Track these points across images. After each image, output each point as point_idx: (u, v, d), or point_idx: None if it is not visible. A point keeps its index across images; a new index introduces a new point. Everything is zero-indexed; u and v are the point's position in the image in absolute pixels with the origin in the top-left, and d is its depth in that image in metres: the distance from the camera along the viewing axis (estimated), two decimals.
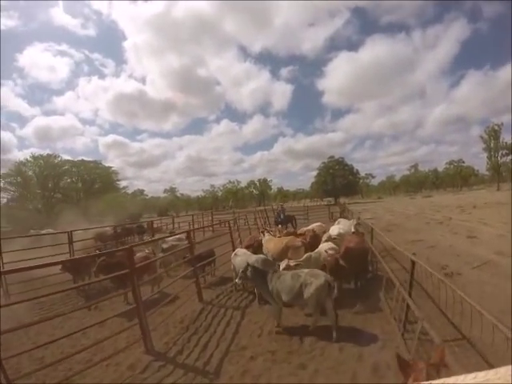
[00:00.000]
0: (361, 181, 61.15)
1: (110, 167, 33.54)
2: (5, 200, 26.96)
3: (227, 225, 12.31)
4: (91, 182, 31.58)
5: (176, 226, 20.34)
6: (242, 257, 7.42)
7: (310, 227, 10.62)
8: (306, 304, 5.10)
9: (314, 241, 8.41)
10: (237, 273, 7.13)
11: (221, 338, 5.25)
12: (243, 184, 45.46)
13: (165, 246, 9.76)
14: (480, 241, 10.37)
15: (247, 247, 8.66)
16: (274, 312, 5.44)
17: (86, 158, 32.08)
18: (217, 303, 7.00)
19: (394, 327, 4.82)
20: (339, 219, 12.50)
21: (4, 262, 8.64)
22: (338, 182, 50.44)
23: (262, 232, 9.38)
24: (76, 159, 31.50)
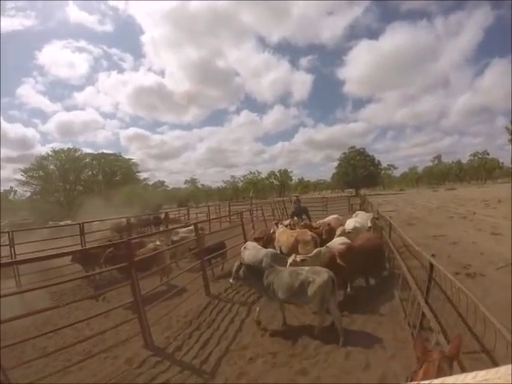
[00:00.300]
0: (382, 172, 59.67)
1: (130, 159, 34.50)
2: (28, 193, 28.37)
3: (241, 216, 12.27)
4: (111, 174, 32.55)
5: (194, 216, 20.43)
6: (251, 251, 7.24)
7: (325, 220, 10.25)
8: (309, 302, 4.87)
9: (329, 234, 8.11)
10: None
11: (222, 336, 5.13)
12: (264, 175, 45.42)
13: (175, 237, 9.70)
14: (505, 238, 9.65)
15: (257, 240, 8.45)
16: (278, 310, 5.25)
17: (107, 151, 33.03)
18: (224, 297, 6.89)
19: (407, 334, 4.44)
20: (357, 212, 12.02)
21: (17, 253, 8.86)
22: (359, 172, 49.41)
23: (276, 224, 9.13)
24: (97, 152, 32.34)
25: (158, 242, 9.53)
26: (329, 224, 8.92)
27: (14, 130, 26.70)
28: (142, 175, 35.61)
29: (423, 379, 1.67)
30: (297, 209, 16.23)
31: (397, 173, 71.20)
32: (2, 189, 27.78)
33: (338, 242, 6.67)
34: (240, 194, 42.18)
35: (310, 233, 7.79)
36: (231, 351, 4.60)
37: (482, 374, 0.67)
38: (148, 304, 5.74)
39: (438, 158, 72.03)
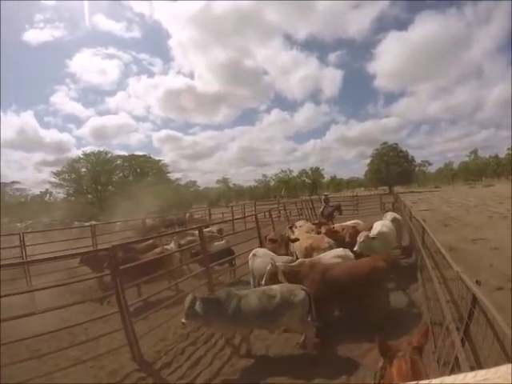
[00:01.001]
0: (416, 168, 57.05)
1: (160, 160, 35.78)
2: (61, 195, 30.69)
3: (268, 215, 11.93)
4: (142, 175, 33.95)
5: (219, 216, 20.51)
6: (262, 258, 6.84)
7: (345, 224, 9.67)
8: (287, 325, 4.65)
9: (353, 239, 7.57)
10: (255, 277, 6.69)
11: (217, 355, 4.97)
12: (295, 173, 45.21)
13: (182, 241, 9.66)
14: None
15: (272, 242, 8.05)
16: (244, 337, 4.96)
17: (140, 153, 34.76)
18: None
19: (433, 372, 3.87)
20: (387, 213, 11.27)
21: (35, 253, 9.33)
22: (392, 169, 47.53)
23: (290, 228, 8.74)
24: (128, 154, 33.98)
25: (171, 245, 9.60)
26: (354, 227, 8.34)
27: (50, 135, 29.10)
28: (175, 175, 37.06)
29: (398, 375, 1.80)
30: (326, 208, 15.67)
31: (431, 169, 67.92)
32: (39, 191, 29.60)
33: (331, 255, 6.17)
34: (272, 192, 42.24)
35: (327, 239, 7.34)
36: (222, 375, 4.42)
37: (481, 374, 0.67)
38: (148, 310, 5.73)
39: (475, 152, 67.92)
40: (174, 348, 5.20)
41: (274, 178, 44.68)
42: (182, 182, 37.90)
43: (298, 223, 10.15)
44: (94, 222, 14.87)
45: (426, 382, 0.73)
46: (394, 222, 9.46)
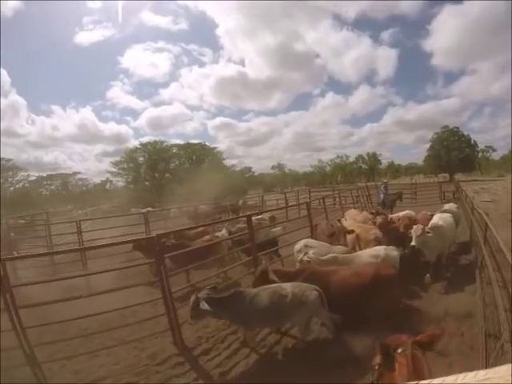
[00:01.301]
0: (479, 154, 50.99)
1: (215, 148, 36.69)
2: (120, 183, 33.14)
3: (321, 203, 11.57)
4: (198, 162, 35.20)
5: (274, 203, 20.44)
6: (317, 249, 6.50)
7: (400, 214, 8.91)
8: (297, 324, 4.60)
9: (407, 232, 6.97)
10: None
11: (257, 346, 4.89)
12: (352, 158, 43.33)
13: (233, 228, 9.70)
14: None
15: (330, 236, 7.67)
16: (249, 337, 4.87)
17: (196, 141, 36.02)
18: None
19: None
20: (445, 205, 10.18)
21: (96, 238, 10.07)
22: (453, 155, 42.96)
23: (339, 221, 8.26)
24: (184, 142, 35.50)
25: (223, 232, 9.74)
26: (410, 218, 7.67)
27: (109, 127, 31.26)
28: (231, 162, 37.65)
29: (399, 372, 1.70)
30: (382, 197, 14.71)
31: (496, 155, 59.44)
32: (100, 180, 32.53)
33: (368, 253, 5.86)
34: (327, 178, 41.07)
35: (375, 231, 6.83)
36: (257, 368, 4.40)
37: (482, 374, 0.68)
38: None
39: None
40: (215, 335, 5.26)
41: (329, 163, 43.41)
42: (238, 169, 38.48)
43: (348, 212, 9.63)
44: (150, 209, 15.70)
45: (427, 381, 0.75)
46: (453, 214, 8.57)
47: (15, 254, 8.22)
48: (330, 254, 5.89)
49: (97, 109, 32.47)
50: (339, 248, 6.68)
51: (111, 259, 8.78)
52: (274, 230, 10.19)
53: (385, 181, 17.28)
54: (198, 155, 35.92)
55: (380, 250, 5.91)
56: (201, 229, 9.95)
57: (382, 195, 15.28)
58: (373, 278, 4.95)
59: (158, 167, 33.33)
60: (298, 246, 6.87)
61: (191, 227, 9.88)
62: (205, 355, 4.71)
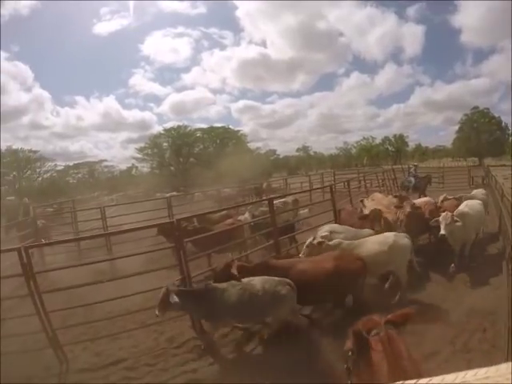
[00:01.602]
0: (510, 138, 47.57)
1: (239, 131, 36.69)
2: (145, 169, 33.72)
3: (346, 186, 11.36)
4: (222, 145, 35.54)
5: (298, 186, 20.28)
6: (345, 234, 6.45)
7: (419, 201, 8.55)
8: (271, 320, 4.50)
9: (433, 216, 6.72)
10: None
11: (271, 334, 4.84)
12: (378, 140, 42.07)
13: (256, 212, 9.69)
14: None
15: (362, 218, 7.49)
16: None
17: (220, 125, 36.10)
18: None
19: None
20: (474, 190, 9.67)
21: (121, 223, 10.38)
22: (483, 138, 40.34)
23: (362, 201, 8.03)
24: (207, 126, 35.75)
25: (246, 215, 9.76)
26: (435, 203, 7.36)
27: (133, 115, 31.74)
28: (256, 145, 37.60)
29: (377, 355, 1.67)
30: (414, 181, 14.17)
31: None
32: (126, 166, 33.81)
33: (377, 240, 5.72)
34: (353, 161, 40.18)
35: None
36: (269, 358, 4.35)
37: (482, 372, 0.69)
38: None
39: None
40: None
41: (355, 145, 42.36)
42: (262, 152, 38.34)
43: (373, 196, 9.34)
44: (174, 193, 16.03)
45: (427, 380, 0.76)
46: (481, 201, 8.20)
47: (43, 242, 8.62)
48: (335, 240, 5.80)
49: (120, 97, 32.95)
50: (366, 231, 6.57)
51: (135, 244, 9.05)
52: (301, 212, 10.19)
53: (415, 164, 16.65)
54: (222, 139, 36.07)
55: (389, 236, 5.70)
56: (223, 212, 10.00)
57: (412, 178, 14.74)
58: (333, 271, 4.86)
59: (183, 152, 33.90)
60: (321, 232, 6.61)
61: (212, 211, 9.94)
62: (222, 339, 4.80)
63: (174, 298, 4.28)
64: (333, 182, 14.07)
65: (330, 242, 5.67)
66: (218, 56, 33.56)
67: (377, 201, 8.22)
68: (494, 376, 0.66)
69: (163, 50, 33.99)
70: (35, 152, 30.04)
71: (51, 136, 31.03)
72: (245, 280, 4.61)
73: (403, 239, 5.60)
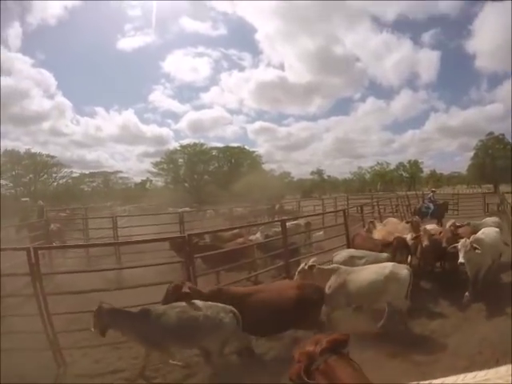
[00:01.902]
0: None
1: (254, 151, 37.04)
2: (159, 183, 34.23)
3: (359, 211, 11.24)
4: (237, 165, 35.97)
5: (311, 209, 20.15)
6: (366, 258, 6.39)
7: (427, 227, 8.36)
8: (209, 346, 4.32)
9: (451, 243, 6.59)
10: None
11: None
12: (393, 166, 42.11)
13: (268, 232, 9.61)
14: None
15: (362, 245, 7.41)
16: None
17: (236, 145, 36.73)
18: None
19: None
20: (485, 219, 9.54)
21: (133, 234, 10.44)
22: (499, 164, 39.73)
23: (372, 222, 7.89)
24: (223, 146, 36.45)
25: (257, 235, 9.66)
26: (452, 231, 7.21)
27: (151, 129, 32.56)
28: (270, 166, 37.87)
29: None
30: (432, 208, 13.91)
31: None
32: (140, 179, 34.55)
33: (374, 269, 5.60)
34: (367, 186, 40.15)
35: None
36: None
37: (481, 374, 0.69)
38: None
39: None
40: None
41: (369, 170, 42.41)
42: (276, 173, 38.54)
43: (388, 221, 9.21)
44: (187, 209, 16.06)
45: (427, 382, 0.82)
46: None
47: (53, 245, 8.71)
48: (333, 265, 5.80)
49: (139, 111, 33.83)
50: (385, 255, 6.50)
51: (144, 255, 9.00)
52: (316, 234, 10.09)
53: (433, 189, 16.39)
54: (237, 158, 36.53)
55: (387, 266, 5.49)
56: (235, 231, 9.95)
57: (430, 204, 14.46)
58: (294, 300, 4.74)
59: (197, 169, 34.43)
60: (339, 257, 6.57)
61: (224, 229, 9.91)
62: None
63: (106, 317, 4.27)
64: (346, 207, 13.93)
65: (326, 267, 5.66)
66: (237, 77, 34.39)
67: (392, 226, 8.09)
68: (493, 378, 0.68)
69: (183, 69, 35.02)
70: (53, 157, 30.88)
71: (70, 143, 31.95)
72: (187, 304, 4.44)
73: (402, 270, 5.40)
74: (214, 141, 36.59)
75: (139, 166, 35.00)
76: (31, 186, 30.31)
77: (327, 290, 5.23)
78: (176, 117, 37.71)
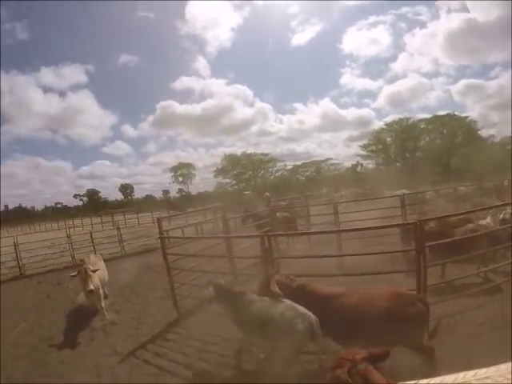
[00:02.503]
0: None
1: (466, 117, 31.41)
2: (370, 165, 34.56)
3: None
4: (450, 136, 31.83)
5: None
6: None
7: None
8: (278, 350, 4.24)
9: None
10: None
11: None
12: None
13: (504, 216, 8.16)
14: None
15: None
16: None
17: (443, 112, 32.43)
18: None
19: None
20: None
21: (341, 221, 10.94)
22: None
23: None
24: (430, 116, 32.80)
25: (488, 220, 8.36)
26: None
27: (350, 113, 32.51)
28: (488, 132, 31.40)
29: None
30: None
31: None
32: (350, 163, 35.54)
33: None
34: None
35: None
36: None
37: (482, 372, 0.67)
38: (449, 294, 5.49)
39: None
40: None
41: None
42: (497, 139, 31.39)
43: None
44: (404, 191, 15.12)
45: (426, 381, 0.78)
46: None
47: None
48: None
49: (335, 97, 35.03)
50: None
51: (366, 242, 8.90)
52: None
53: None
54: (449, 128, 32.23)
55: None
56: (461, 216, 8.80)
57: None
58: (382, 313, 4.00)
59: (408, 146, 32.65)
60: None
61: (456, 214, 8.71)
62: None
63: (211, 291, 4.68)
64: None
65: None
66: (421, 35, 29.69)
67: None
68: (493, 376, 0.69)
69: (363, 44, 33.52)
70: (266, 155, 36.31)
71: (278, 140, 36.61)
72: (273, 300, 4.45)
73: None
74: (418, 112, 33.22)
75: (347, 150, 36.13)
76: (251, 181, 36.60)
77: None
78: (372, 95, 36.51)
